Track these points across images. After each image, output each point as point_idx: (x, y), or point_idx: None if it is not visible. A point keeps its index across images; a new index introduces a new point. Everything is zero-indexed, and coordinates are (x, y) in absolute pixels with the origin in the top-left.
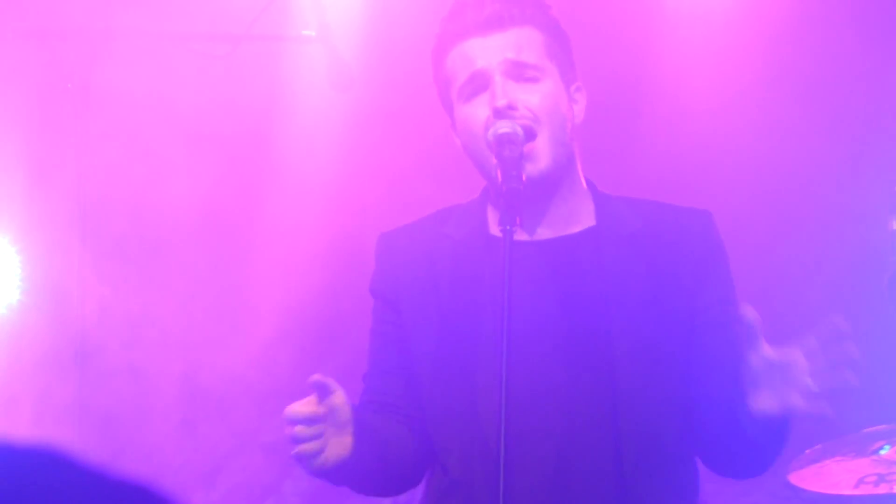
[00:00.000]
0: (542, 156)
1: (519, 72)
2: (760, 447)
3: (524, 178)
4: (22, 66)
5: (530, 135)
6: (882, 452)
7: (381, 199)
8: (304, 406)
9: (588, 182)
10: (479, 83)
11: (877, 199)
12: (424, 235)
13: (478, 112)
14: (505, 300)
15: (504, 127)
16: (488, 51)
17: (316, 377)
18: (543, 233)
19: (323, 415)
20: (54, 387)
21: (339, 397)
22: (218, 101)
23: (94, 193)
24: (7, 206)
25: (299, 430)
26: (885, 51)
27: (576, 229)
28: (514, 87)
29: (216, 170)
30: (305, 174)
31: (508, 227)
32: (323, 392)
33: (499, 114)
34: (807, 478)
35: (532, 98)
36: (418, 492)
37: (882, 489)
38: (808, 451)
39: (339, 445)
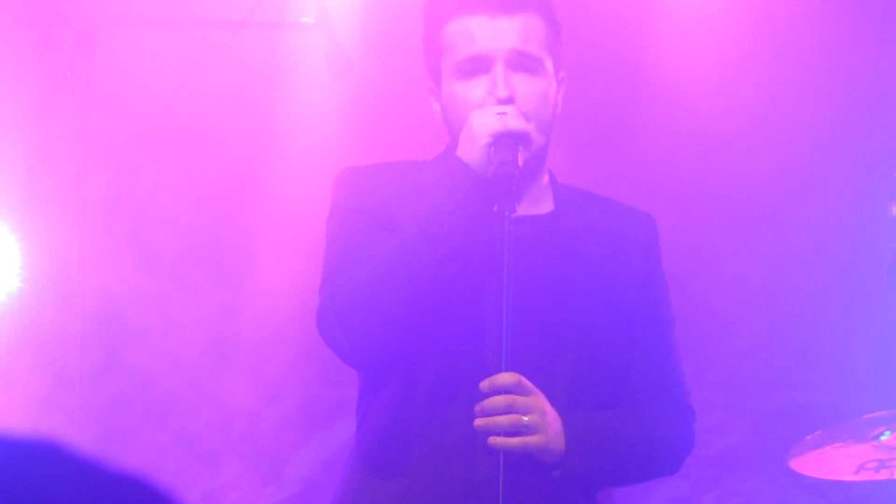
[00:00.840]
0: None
1: (520, 61)
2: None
3: (520, 162)
4: (21, 53)
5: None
6: (882, 438)
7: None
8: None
9: (549, 173)
10: (479, 65)
11: (877, 184)
12: (406, 181)
13: (474, 93)
14: (506, 286)
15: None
16: (494, 34)
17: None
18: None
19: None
20: (56, 374)
21: None
22: (217, 89)
23: (94, 181)
24: (7, 194)
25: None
26: (883, 37)
27: (537, 212)
28: (514, 77)
29: (216, 157)
30: (305, 161)
31: (507, 214)
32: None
33: (499, 102)
34: (807, 464)
35: (528, 90)
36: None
37: (883, 475)
38: (808, 437)
39: None
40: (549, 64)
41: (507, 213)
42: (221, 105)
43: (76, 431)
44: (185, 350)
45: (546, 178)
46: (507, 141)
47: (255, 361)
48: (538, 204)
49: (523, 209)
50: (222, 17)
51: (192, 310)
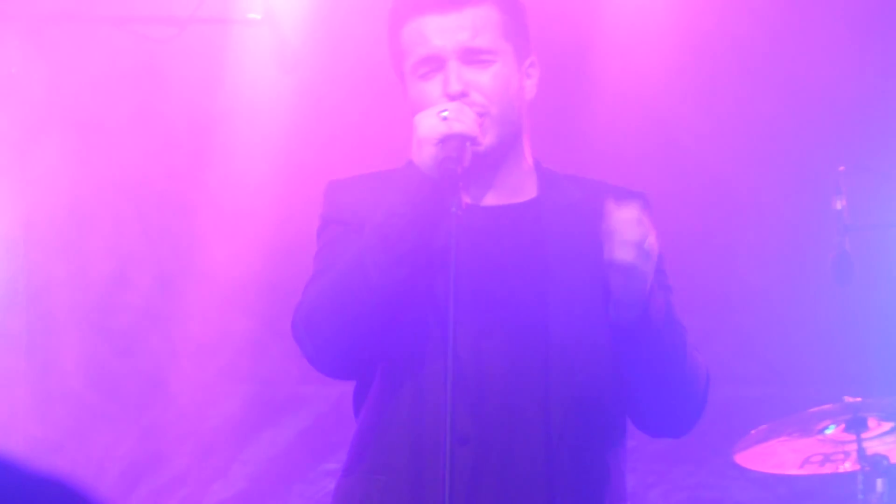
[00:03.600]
0: (488, 133)
1: (472, 56)
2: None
3: (466, 162)
4: None
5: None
6: (827, 432)
7: (326, 180)
8: None
9: (534, 159)
10: (433, 65)
11: (821, 178)
12: (379, 190)
13: (431, 92)
14: (452, 280)
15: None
16: (444, 32)
17: None
18: (488, 200)
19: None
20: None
21: None
22: (164, 85)
23: (38, 177)
24: None
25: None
26: (831, 28)
27: (519, 200)
28: (467, 70)
29: (162, 153)
30: (252, 156)
31: (454, 210)
32: None
33: (451, 98)
34: (752, 458)
35: (483, 79)
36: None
37: (828, 469)
38: (753, 432)
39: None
40: (507, 52)
41: (453, 209)
42: (168, 101)
43: (19, 425)
44: (132, 348)
45: (527, 165)
46: (452, 141)
47: (201, 358)
48: (519, 191)
49: (504, 198)
50: (169, 13)
51: (137, 307)
